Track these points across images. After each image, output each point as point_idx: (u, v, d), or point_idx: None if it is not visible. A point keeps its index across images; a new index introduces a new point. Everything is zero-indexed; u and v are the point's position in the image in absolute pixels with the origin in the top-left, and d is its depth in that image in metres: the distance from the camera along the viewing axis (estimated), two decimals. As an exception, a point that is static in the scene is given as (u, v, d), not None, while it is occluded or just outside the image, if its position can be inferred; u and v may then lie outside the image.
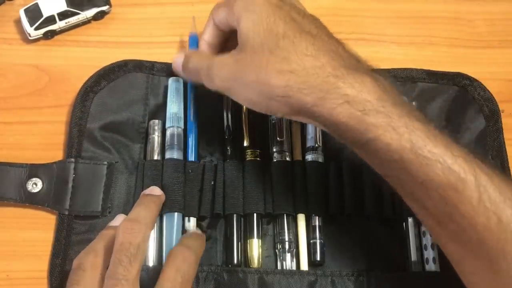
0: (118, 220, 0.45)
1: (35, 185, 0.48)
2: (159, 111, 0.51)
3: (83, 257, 0.40)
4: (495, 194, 0.36)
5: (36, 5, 0.53)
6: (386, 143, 0.37)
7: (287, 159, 0.49)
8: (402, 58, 0.57)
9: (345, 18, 0.58)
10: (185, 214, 0.47)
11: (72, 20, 0.54)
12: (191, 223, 0.47)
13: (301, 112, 0.40)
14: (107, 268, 0.39)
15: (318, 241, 0.47)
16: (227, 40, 0.50)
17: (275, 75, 0.39)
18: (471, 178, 0.36)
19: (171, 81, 0.51)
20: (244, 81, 0.41)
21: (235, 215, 0.47)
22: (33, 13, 0.53)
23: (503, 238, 0.35)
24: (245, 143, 0.50)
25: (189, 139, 0.50)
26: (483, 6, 0.60)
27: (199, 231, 0.47)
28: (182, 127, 0.50)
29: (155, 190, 0.46)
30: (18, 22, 0.55)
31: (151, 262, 0.45)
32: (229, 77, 0.43)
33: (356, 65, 0.40)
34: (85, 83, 0.51)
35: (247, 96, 0.42)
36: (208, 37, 0.49)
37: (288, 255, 0.47)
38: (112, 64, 0.52)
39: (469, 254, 0.37)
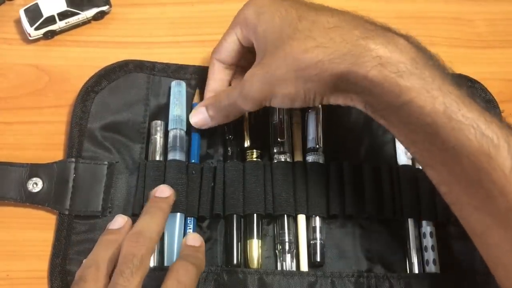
0: (118, 221, 0.45)
1: (36, 185, 0.48)
2: (160, 111, 0.51)
3: (85, 269, 0.40)
4: None
5: (36, 5, 0.53)
6: (419, 105, 0.36)
7: (288, 160, 0.49)
8: (403, 58, 0.57)
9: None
10: (186, 214, 0.47)
11: (72, 20, 0.54)
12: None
13: (337, 87, 0.39)
14: (110, 279, 0.39)
15: (318, 242, 0.47)
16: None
17: (303, 55, 0.39)
18: (504, 145, 0.35)
19: (173, 84, 0.51)
20: (278, 78, 0.41)
21: (235, 215, 0.47)
22: (33, 13, 0.53)
23: None
24: (246, 144, 0.50)
25: (192, 140, 0.50)
26: (483, 6, 0.60)
27: (198, 236, 0.46)
28: (185, 129, 0.50)
29: (165, 191, 0.45)
30: (18, 22, 0.55)
31: (152, 263, 0.45)
32: (263, 84, 0.42)
33: (384, 28, 0.39)
34: (86, 83, 0.51)
35: (285, 91, 0.41)
36: (214, 84, 0.48)
37: (288, 256, 0.47)
38: (113, 64, 0.52)
39: (496, 224, 0.36)
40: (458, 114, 0.35)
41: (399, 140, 0.41)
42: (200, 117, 0.48)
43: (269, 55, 0.41)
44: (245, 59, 0.48)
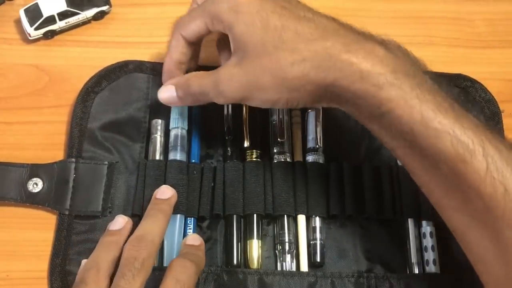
0: (118, 222, 0.45)
1: (36, 185, 0.48)
2: (160, 111, 0.51)
3: (86, 272, 0.40)
4: (503, 164, 0.36)
5: (36, 5, 0.53)
6: (398, 115, 0.38)
7: (288, 160, 0.49)
8: (402, 58, 0.57)
9: (345, 18, 0.57)
10: (186, 214, 0.47)
11: (72, 20, 0.54)
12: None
13: (322, 97, 0.40)
14: (111, 282, 0.39)
15: (318, 242, 0.47)
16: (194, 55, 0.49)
17: (290, 69, 0.39)
18: (479, 149, 0.36)
19: None
20: (260, 85, 0.41)
21: (235, 215, 0.47)
22: (33, 13, 0.53)
23: (508, 208, 0.36)
24: (246, 144, 0.50)
25: (192, 140, 0.50)
26: (483, 6, 0.60)
27: (198, 237, 0.46)
28: (186, 128, 0.50)
29: (166, 192, 0.46)
30: (18, 22, 0.55)
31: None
32: (242, 87, 0.42)
33: (365, 37, 0.40)
34: (86, 83, 0.51)
35: (266, 98, 0.42)
36: (177, 55, 0.47)
37: (288, 256, 0.47)
38: (113, 64, 0.52)
39: (475, 224, 0.38)
40: (434, 122, 0.37)
41: (383, 144, 0.42)
42: (167, 95, 0.47)
43: (250, 60, 0.41)
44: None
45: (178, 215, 0.46)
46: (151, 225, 0.43)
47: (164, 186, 0.46)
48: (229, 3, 0.42)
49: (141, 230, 0.42)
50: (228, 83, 0.42)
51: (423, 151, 0.38)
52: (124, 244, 0.42)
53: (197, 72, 0.46)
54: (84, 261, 0.44)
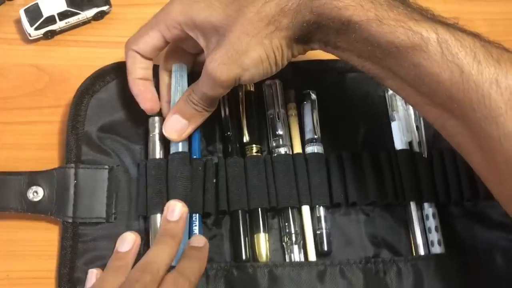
0: (127, 241, 0.45)
1: (36, 193, 0.47)
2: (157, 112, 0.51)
3: None
4: (457, 46, 0.37)
5: (36, 5, 0.53)
6: (356, 21, 0.39)
7: (288, 152, 0.50)
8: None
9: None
10: (191, 211, 0.46)
11: (72, 20, 0.54)
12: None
13: (299, 35, 0.41)
14: None
15: (324, 231, 0.48)
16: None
17: (263, 9, 0.41)
18: (433, 36, 0.38)
19: (175, 67, 0.49)
20: (242, 48, 0.41)
21: (240, 211, 0.48)
22: (33, 13, 0.53)
23: (467, 88, 0.37)
24: (245, 139, 0.50)
25: (193, 136, 0.49)
26: (483, 6, 0.60)
27: (202, 239, 0.45)
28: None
29: (175, 210, 0.44)
30: (18, 22, 0.55)
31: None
32: (229, 64, 0.42)
33: None
34: (80, 86, 0.50)
35: (254, 57, 0.42)
36: (138, 72, 0.48)
37: (295, 247, 0.47)
38: (106, 66, 0.51)
39: (447, 114, 0.39)
40: (388, 20, 0.38)
41: (352, 64, 0.43)
42: (178, 126, 0.47)
43: (222, 35, 0.42)
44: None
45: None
46: (159, 252, 0.42)
47: (171, 201, 0.45)
48: (179, 3, 0.44)
49: (149, 257, 0.41)
50: (215, 70, 0.42)
51: (384, 50, 0.39)
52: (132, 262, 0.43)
53: (188, 88, 0.47)
54: (90, 271, 0.44)
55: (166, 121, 0.47)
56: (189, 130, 0.47)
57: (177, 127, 0.47)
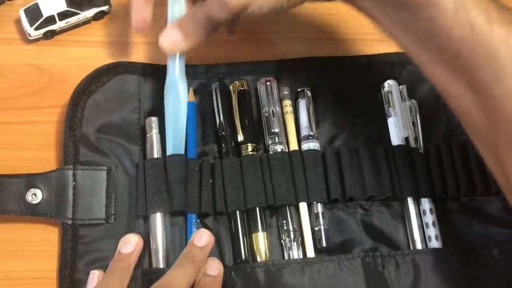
0: (130, 243, 0.45)
1: (35, 196, 0.46)
2: (154, 112, 0.50)
3: None
4: (470, 4, 0.37)
5: (36, 5, 0.53)
6: None
7: (284, 149, 0.50)
8: (403, 57, 0.57)
9: (346, 17, 0.58)
10: (188, 211, 0.47)
11: (72, 20, 0.54)
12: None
13: None
14: None
15: (322, 228, 0.48)
16: None
17: None
18: None
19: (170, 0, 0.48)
20: None
21: (238, 211, 0.48)
22: (33, 13, 0.53)
23: (476, 46, 0.37)
24: (240, 139, 0.50)
25: (189, 136, 0.49)
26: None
27: (204, 236, 0.45)
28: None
29: (203, 238, 0.45)
30: (18, 22, 0.55)
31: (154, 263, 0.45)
32: None
33: None
34: (76, 87, 0.50)
35: None
36: (147, 13, 0.47)
37: (294, 244, 0.47)
38: (102, 66, 0.51)
39: (452, 74, 0.39)
40: None
41: (364, 13, 0.42)
42: (174, 38, 0.45)
43: None
44: None
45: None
46: (178, 275, 0.42)
47: (202, 230, 0.45)
48: None
49: (167, 278, 0.41)
50: None
51: (400, 4, 0.39)
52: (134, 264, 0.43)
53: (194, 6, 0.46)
54: (92, 272, 0.44)
55: (164, 32, 0.46)
56: (182, 45, 0.46)
57: (173, 38, 0.46)
